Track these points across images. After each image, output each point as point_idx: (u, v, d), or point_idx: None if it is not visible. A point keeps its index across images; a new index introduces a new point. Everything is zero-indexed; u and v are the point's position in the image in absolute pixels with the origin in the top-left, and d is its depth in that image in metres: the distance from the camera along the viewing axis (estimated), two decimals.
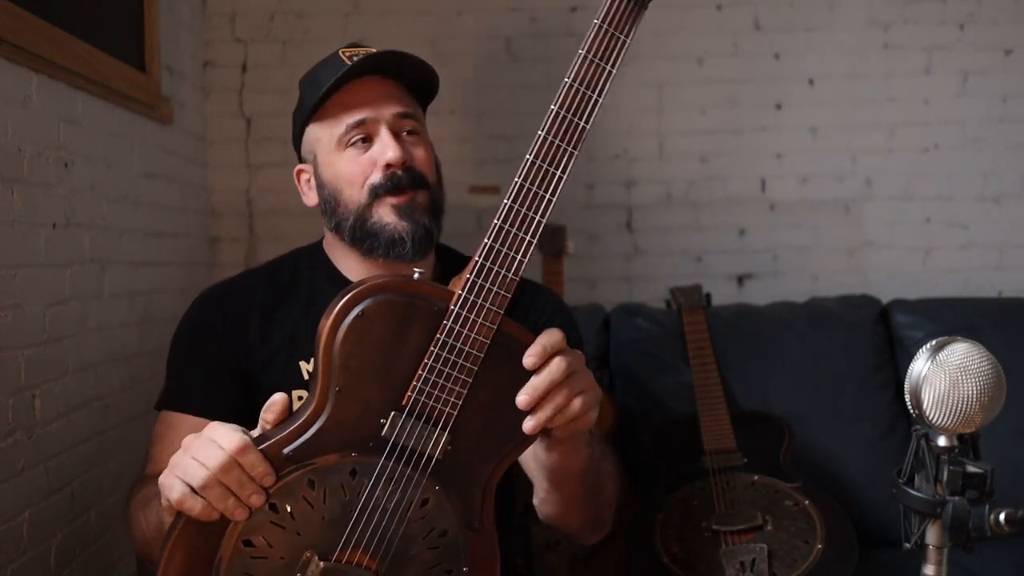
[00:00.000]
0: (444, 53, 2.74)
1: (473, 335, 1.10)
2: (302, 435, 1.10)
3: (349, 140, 1.36)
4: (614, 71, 1.10)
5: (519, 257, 1.11)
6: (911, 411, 0.99)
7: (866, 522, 2.07)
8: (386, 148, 1.34)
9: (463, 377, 1.10)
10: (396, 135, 1.36)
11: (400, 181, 1.35)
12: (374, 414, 1.10)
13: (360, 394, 1.10)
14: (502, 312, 1.10)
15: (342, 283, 1.39)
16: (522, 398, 1.10)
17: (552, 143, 1.10)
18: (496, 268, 1.10)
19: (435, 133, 2.88)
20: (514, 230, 1.11)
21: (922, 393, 0.98)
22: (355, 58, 1.36)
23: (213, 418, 1.15)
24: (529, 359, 1.10)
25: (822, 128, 2.80)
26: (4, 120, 1.57)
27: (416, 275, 1.12)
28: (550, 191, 1.11)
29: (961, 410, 0.96)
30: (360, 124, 1.35)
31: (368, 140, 1.36)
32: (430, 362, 1.10)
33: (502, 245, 1.11)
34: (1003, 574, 1.94)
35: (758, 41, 2.78)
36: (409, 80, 1.41)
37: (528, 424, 1.10)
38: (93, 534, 1.88)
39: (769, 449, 2.00)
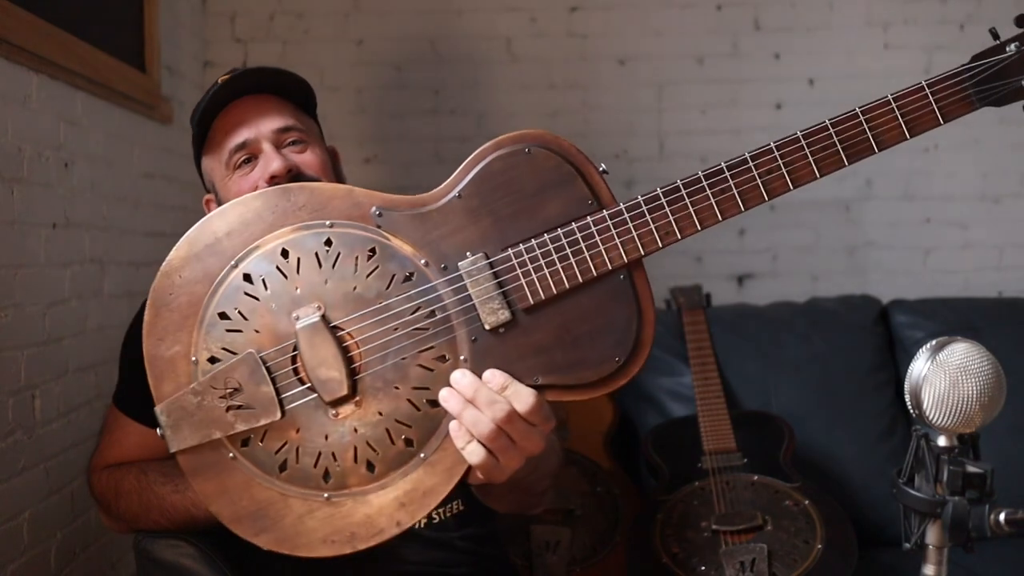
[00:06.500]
0: (444, 53, 2.74)
1: (603, 249, 1.05)
2: (399, 208, 1.08)
3: (235, 163, 1.38)
4: (907, 137, 1.11)
5: (695, 220, 1.05)
6: (911, 411, 0.99)
7: (866, 522, 2.07)
8: (269, 162, 1.35)
9: (563, 277, 1.05)
10: (279, 148, 1.37)
11: None
12: (467, 243, 1.07)
13: (472, 215, 1.07)
14: (643, 254, 1.05)
15: None
16: (443, 392, 1.04)
17: (813, 144, 1.12)
18: (666, 213, 1.06)
19: (434, 133, 2.89)
20: (709, 194, 1.05)
21: (922, 393, 0.98)
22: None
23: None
24: (464, 379, 1.03)
25: None
26: (4, 120, 1.57)
27: (602, 168, 1.09)
28: (766, 190, 1.08)
29: (961, 410, 0.96)
30: (242, 146, 1.37)
31: (253, 159, 1.37)
32: (548, 237, 1.05)
33: (691, 196, 1.06)
34: (1003, 574, 1.94)
35: (758, 41, 2.78)
36: (288, 91, 1.41)
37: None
38: (93, 534, 1.88)
39: (769, 449, 2.00)
